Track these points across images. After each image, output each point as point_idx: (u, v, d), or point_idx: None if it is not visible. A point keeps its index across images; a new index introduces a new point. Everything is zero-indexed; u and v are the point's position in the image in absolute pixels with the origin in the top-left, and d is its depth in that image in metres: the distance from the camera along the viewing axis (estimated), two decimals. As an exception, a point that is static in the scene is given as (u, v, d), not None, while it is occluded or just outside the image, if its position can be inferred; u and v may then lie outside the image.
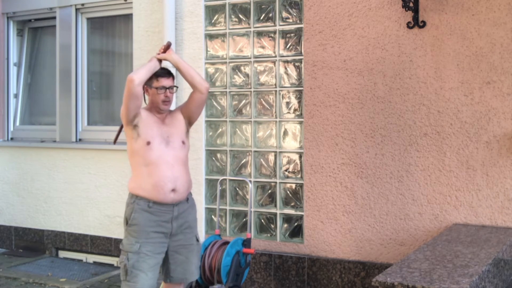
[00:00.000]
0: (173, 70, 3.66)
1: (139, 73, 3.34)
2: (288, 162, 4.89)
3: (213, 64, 5.20)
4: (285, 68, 4.89)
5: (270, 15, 4.94)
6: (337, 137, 4.60)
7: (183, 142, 3.53)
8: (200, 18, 5.21)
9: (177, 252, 3.49)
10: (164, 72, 3.50)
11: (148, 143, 3.39)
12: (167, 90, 3.47)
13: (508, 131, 4.02)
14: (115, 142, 3.76)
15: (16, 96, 6.60)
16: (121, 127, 3.60)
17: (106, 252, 5.78)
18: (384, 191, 4.43)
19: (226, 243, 4.39)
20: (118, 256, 5.69)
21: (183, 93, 4.98)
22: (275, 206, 4.91)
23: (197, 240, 3.61)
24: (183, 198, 3.49)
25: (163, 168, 3.38)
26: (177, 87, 3.59)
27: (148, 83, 3.46)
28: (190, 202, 3.58)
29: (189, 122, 3.64)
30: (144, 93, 3.50)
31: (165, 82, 3.47)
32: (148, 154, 3.38)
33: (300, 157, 4.81)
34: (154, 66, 3.46)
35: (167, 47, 3.54)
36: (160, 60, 3.51)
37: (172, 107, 3.72)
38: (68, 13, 6.08)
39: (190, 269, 3.55)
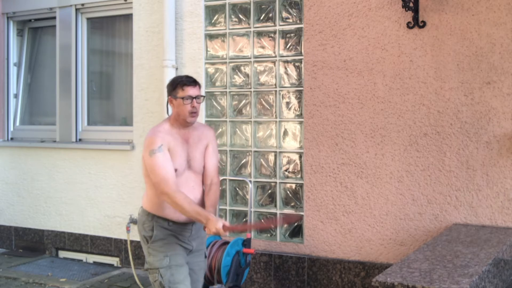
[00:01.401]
0: (200, 80, 3.38)
1: (178, 202, 3.07)
2: (288, 162, 4.89)
3: (213, 64, 5.20)
4: (285, 68, 4.89)
5: (270, 15, 4.94)
6: (337, 137, 4.60)
7: (204, 167, 3.37)
8: (200, 18, 5.21)
9: (193, 271, 3.39)
10: (189, 80, 3.23)
11: (175, 170, 3.19)
12: (194, 100, 3.18)
13: (508, 131, 4.02)
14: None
15: (16, 96, 6.60)
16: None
17: (106, 252, 5.78)
18: (384, 191, 4.43)
19: (226, 243, 4.39)
20: (117, 256, 5.70)
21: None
22: (275, 206, 4.91)
23: (205, 257, 3.53)
24: None
25: (184, 192, 3.21)
26: (204, 96, 3.31)
27: (172, 94, 3.22)
28: None
29: None
30: (167, 104, 3.30)
31: (191, 91, 3.19)
32: None
33: (300, 157, 4.81)
34: (192, 216, 3.14)
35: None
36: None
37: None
38: (68, 13, 6.08)
39: (200, 285, 3.48)
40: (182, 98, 3.18)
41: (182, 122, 3.24)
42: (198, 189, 3.35)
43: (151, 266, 3.24)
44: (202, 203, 3.35)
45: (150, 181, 3.25)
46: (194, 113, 3.21)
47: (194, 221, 3.29)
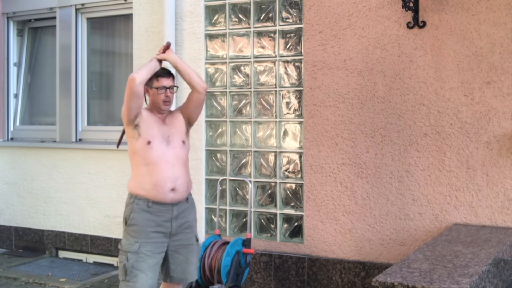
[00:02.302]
0: (173, 71, 3.67)
1: (140, 73, 3.36)
2: (288, 162, 4.89)
3: (213, 64, 5.20)
4: (285, 68, 4.89)
5: (270, 15, 4.94)
6: (337, 137, 4.60)
7: (183, 142, 3.55)
8: (200, 18, 5.21)
9: (177, 252, 3.50)
10: (164, 72, 3.52)
11: (149, 142, 3.39)
12: (168, 90, 3.48)
13: (508, 131, 4.02)
14: (118, 146, 3.75)
15: (16, 96, 6.60)
16: (124, 131, 3.59)
17: (106, 252, 5.78)
18: (384, 191, 4.43)
19: (226, 243, 4.39)
20: (118, 256, 5.70)
21: (183, 92, 4.97)
22: (275, 206, 4.91)
23: (197, 240, 3.62)
24: (182, 198, 3.49)
25: (163, 168, 3.39)
26: (177, 87, 3.60)
27: (148, 83, 3.47)
28: (190, 202, 3.58)
29: (189, 122, 3.66)
30: (144, 93, 3.52)
31: (166, 82, 3.48)
32: (149, 153, 3.39)
33: (300, 157, 4.81)
34: (155, 66, 3.48)
35: (167, 47, 3.55)
36: (160, 61, 3.53)
37: (172, 107, 3.71)
38: (68, 13, 6.08)
39: (189, 269, 3.55)
40: (157, 88, 3.47)
41: (157, 109, 3.52)
42: (178, 168, 3.46)
43: (122, 248, 3.41)
44: (186, 184, 3.50)
45: (133, 161, 3.46)
46: (167, 101, 3.50)
47: (175, 201, 3.43)
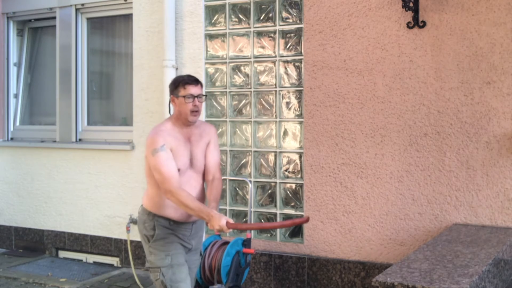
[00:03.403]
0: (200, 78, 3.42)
1: (180, 200, 3.08)
2: (288, 162, 4.89)
3: (213, 64, 5.20)
4: (285, 68, 4.89)
5: (270, 15, 4.94)
6: (337, 137, 4.60)
7: (205, 163, 3.38)
8: (200, 18, 5.21)
9: (189, 269, 3.41)
10: (191, 79, 3.25)
11: (178, 170, 3.18)
12: (196, 99, 3.20)
13: (508, 131, 4.02)
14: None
15: (16, 96, 6.60)
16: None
17: (106, 252, 5.78)
18: (384, 191, 4.43)
19: (226, 243, 4.39)
20: (117, 256, 5.70)
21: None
22: (275, 206, 4.91)
23: (200, 255, 3.57)
24: None
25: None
26: (206, 95, 3.35)
27: (174, 93, 3.24)
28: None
29: None
30: (169, 103, 3.33)
31: (193, 90, 3.21)
32: None
33: (300, 157, 4.81)
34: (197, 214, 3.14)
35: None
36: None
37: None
38: (68, 13, 6.08)
39: (192, 282, 3.49)
40: (184, 96, 3.20)
41: (184, 121, 3.25)
42: (199, 188, 3.36)
43: (153, 265, 3.25)
44: (203, 201, 3.38)
45: (152, 180, 3.25)
46: (195, 111, 3.22)
47: (194, 220, 3.32)
